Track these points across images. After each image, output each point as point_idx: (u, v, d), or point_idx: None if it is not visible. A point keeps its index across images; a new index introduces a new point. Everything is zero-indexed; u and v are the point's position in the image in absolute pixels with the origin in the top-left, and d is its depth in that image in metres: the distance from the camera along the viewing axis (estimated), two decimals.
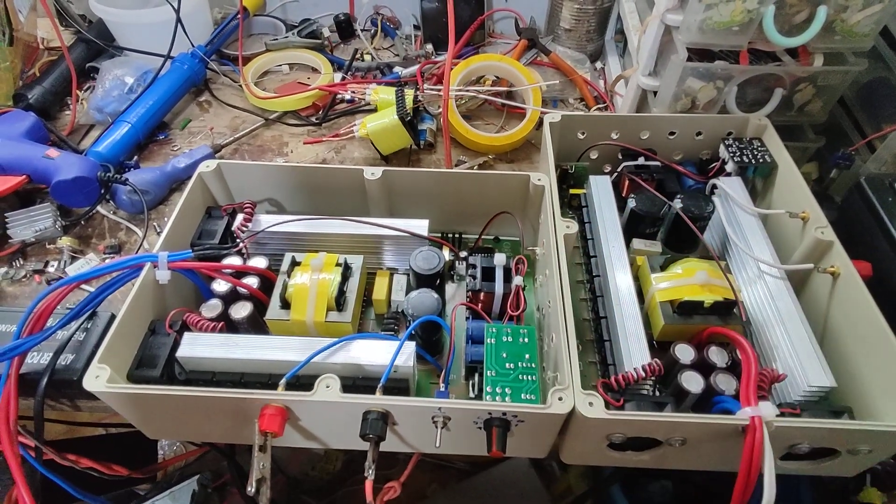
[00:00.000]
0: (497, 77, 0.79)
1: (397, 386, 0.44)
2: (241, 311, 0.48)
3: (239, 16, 0.86)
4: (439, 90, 0.71)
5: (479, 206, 0.57)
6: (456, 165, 0.73)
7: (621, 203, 0.57)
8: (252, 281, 0.50)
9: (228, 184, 0.58)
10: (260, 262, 0.52)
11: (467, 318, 0.51)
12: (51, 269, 0.61)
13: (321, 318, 0.48)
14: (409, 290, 0.51)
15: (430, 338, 0.50)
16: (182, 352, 0.44)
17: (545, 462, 1.07)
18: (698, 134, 0.61)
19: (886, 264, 0.51)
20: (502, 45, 0.89)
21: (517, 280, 0.50)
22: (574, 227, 0.49)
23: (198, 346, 0.44)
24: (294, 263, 0.52)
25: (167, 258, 0.47)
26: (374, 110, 0.74)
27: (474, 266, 0.51)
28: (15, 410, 0.44)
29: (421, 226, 0.53)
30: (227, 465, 0.76)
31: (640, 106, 0.71)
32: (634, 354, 0.45)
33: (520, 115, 0.75)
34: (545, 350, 0.48)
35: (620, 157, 0.61)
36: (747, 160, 0.57)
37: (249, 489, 0.37)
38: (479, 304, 0.50)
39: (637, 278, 0.52)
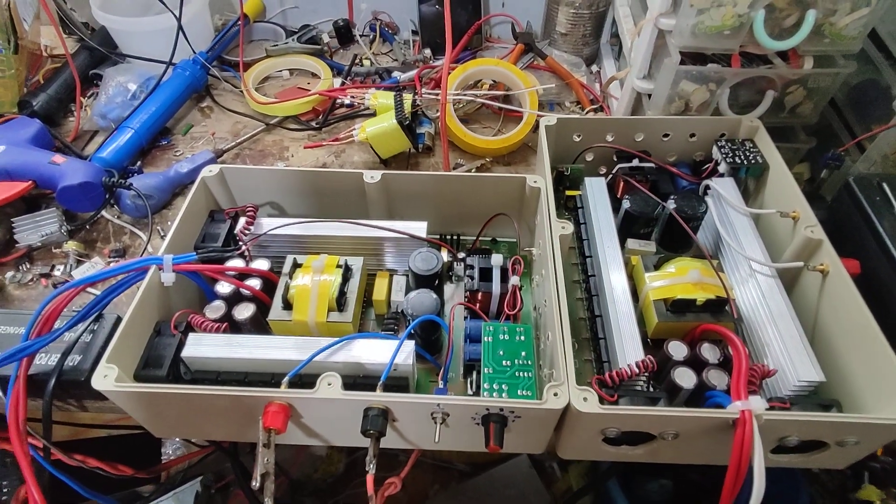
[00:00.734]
0: (494, 81, 0.80)
1: (397, 384, 0.45)
2: (244, 312, 0.50)
3: (239, 22, 0.87)
4: (437, 94, 0.73)
5: (476, 208, 0.58)
6: (454, 168, 0.74)
7: (616, 204, 0.58)
8: (255, 283, 0.51)
9: (231, 188, 0.59)
10: (262, 265, 0.53)
11: (466, 318, 0.52)
12: (57, 273, 0.62)
13: (322, 319, 0.49)
14: (408, 290, 0.52)
15: (429, 337, 0.51)
16: (187, 352, 0.45)
17: (546, 463, 1.08)
18: (692, 136, 0.62)
19: (874, 262, 0.52)
20: (499, 49, 0.90)
21: (514, 280, 0.51)
22: (569, 227, 0.50)
23: (202, 347, 0.46)
24: (296, 265, 0.53)
25: (171, 261, 0.48)
26: (374, 115, 0.75)
27: (472, 267, 0.52)
28: (24, 410, 0.45)
29: (420, 227, 0.54)
30: (230, 467, 0.77)
31: (635, 108, 0.72)
32: (629, 352, 0.46)
33: (517, 119, 0.76)
34: (542, 348, 0.49)
35: (615, 158, 0.62)
36: (740, 161, 0.58)
37: (254, 483, 0.38)
38: (477, 304, 0.52)
39: (632, 278, 0.53)
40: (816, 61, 0.60)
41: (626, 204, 0.56)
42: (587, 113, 0.80)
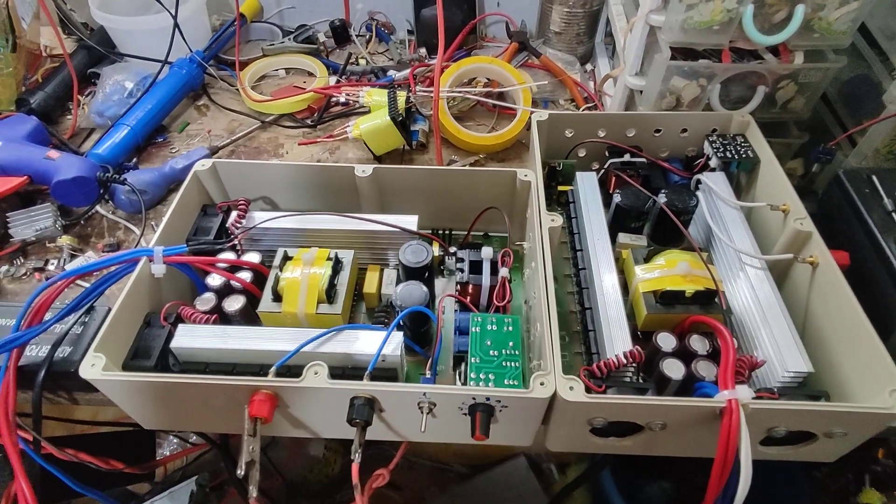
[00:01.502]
0: (488, 79, 0.80)
1: (386, 375, 0.45)
2: (234, 304, 0.50)
3: (236, 22, 0.88)
4: (431, 91, 0.73)
5: (467, 202, 0.58)
6: (448, 165, 0.74)
7: (608, 199, 0.58)
8: (245, 275, 0.52)
9: (224, 182, 0.59)
10: (253, 257, 0.53)
11: (455, 311, 0.52)
12: (51, 268, 0.62)
13: (312, 311, 0.49)
14: (398, 283, 0.52)
15: (418, 329, 0.51)
16: (176, 342, 0.45)
17: (544, 465, 1.08)
18: (683, 131, 0.62)
19: (863, 254, 0.52)
20: (494, 48, 0.91)
21: (503, 272, 0.51)
22: (559, 219, 0.50)
23: (191, 337, 0.46)
24: (286, 258, 0.53)
25: (162, 252, 0.48)
26: (368, 112, 0.76)
27: (462, 260, 0.52)
28: (14, 400, 0.45)
29: (410, 221, 0.54)
30: (223, 465, 0.77)
31: (629, 105, 0.72)
32: (617, 343, 0.46)
33: (511, 116, 0.77)
34: (531, 340, 0.49)
35: (607, 154, 0.62)
36: (731, 156, 0.58)
37: (239, 472, 0.38)
38: (468, 297, 0.52)
39: (622, 271, 0.53)
40: (807, 56, 0.60)
41: (616, 198, 0.56)
42: (582, 111, 0.81)
